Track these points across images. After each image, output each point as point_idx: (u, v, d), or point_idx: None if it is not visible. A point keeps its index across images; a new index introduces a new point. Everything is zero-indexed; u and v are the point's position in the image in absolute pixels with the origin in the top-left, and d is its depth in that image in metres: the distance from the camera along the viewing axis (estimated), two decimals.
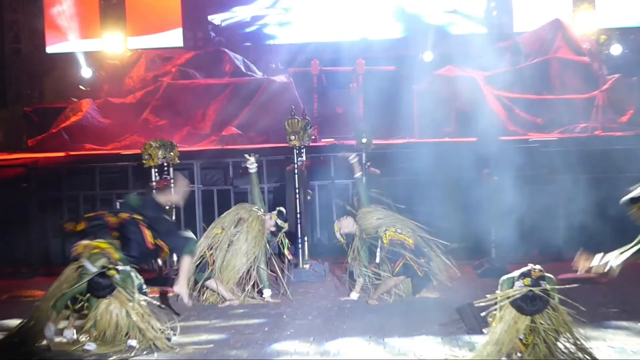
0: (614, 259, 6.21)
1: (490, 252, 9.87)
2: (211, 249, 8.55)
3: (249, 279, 8.61)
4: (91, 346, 6.79)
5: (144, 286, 7.23)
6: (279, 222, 8.72)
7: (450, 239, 8.86)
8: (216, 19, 16.84)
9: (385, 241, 8.26)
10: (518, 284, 5.88)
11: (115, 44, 16.79)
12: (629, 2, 16.25)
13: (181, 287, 8.08)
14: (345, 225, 8.62)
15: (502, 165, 10.09)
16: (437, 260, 8.49)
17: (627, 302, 7.78)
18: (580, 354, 5.88)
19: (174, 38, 16.79)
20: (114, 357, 6.63)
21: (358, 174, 9.09)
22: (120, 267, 7.00)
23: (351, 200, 9.57)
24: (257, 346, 6.90)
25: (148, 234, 8.01)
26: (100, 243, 7.21)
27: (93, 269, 6.88)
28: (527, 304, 5.83)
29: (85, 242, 7.20)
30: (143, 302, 6.95)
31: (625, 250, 6.18)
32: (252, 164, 9.05)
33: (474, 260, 10.00)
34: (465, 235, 10.16)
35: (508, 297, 5.88)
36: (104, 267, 6.92)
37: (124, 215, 8.06)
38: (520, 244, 10.29)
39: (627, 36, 16.49)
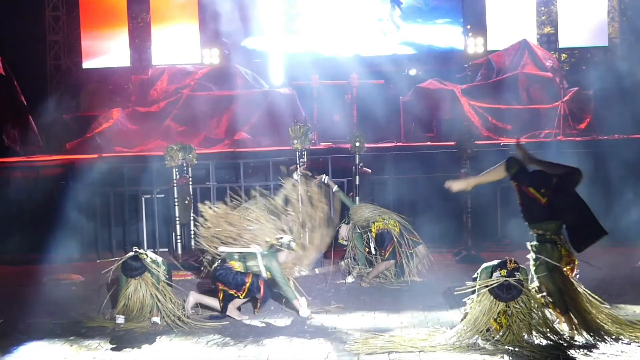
0: None
1: (467, 242, 9.81)
2: None
3: None
4: (121, 319, 6.70)
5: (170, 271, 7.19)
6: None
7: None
8: (230, 43, 16.75)
9: (374, 230, 8.32)
10: (495, 274, 5.85)
11: (143, 61, 16.74)
12: (586, 26, 16.20)
13: None
14: (344, 233, 8.75)
15: (477, 166, 10.03)
16: (419, 247, 8.47)
17: (586, 286, 7.70)
18: (550, 334, 5.83)
19: (193, 55, 16.69)
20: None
21: (335, 188, 9.08)
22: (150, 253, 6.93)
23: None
24: (265, 323, 6.82)
25: None
26: None
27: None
28: (503, 292, 5.79)
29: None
30: (167, 285, 6.88)
31: None
32: (298, 174, 9.03)
33: (453, 249, 9.93)
34: (445, 226, 10.13)
35: (486, 286, 5.83)
36: (136, 251, 6.85)
37: None
38: (493, 234, 10.24)
39: (584, 55, 16.47)
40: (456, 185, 6.35)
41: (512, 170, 6.09)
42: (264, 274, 6.99)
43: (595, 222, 5.98)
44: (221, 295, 6.96)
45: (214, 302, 7.18)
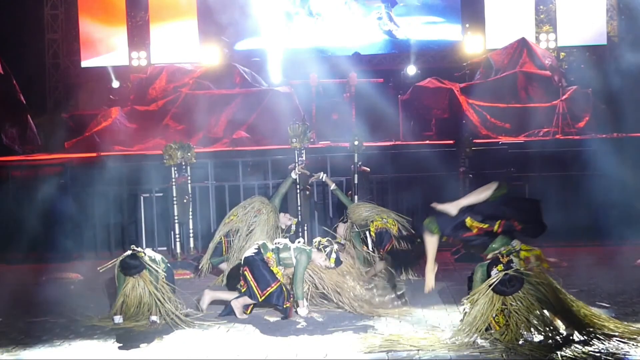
0: None
1: None
2: (227, 235, 8.47)
3: None
4: (119, 318, 6.70)
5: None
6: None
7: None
8: (229, 41, 16.77)
9: (372, 229, 8.31)
10: (493, 272, 5.83)
11: (141, 59, 16.73)
12: (584, 24, 16.22)
13: None
14: (342, 232, 8.70)
15: (476, 164, 10.05)
16: (416, 246, 8.46)
17: (585, 284, 7.73)
18: (548, 332, 5.81)
19: (191, 54, 16.68)
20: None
21: (333, 187, 9.11)
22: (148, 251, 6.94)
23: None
24: (263, 321, 6.84)
25: None
26: None
27: None
28: (507, 287, 5.78)
29: None
30: (165, 284, 6.87)
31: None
32: (296, 173, 9.04)
33: (452, 247, 9.91)
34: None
35: (489, 286, 5.81)
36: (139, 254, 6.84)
37: None
38: None
39: (582, 53, 16.48)
40: (430, 284, 6.33)
41: (434, 232, 6.16)
42: (295, 264, 6.99)
43: (531, 205, 6.01)
44: (246, 285, 6.90)
45: (230, 296, 7.13)
